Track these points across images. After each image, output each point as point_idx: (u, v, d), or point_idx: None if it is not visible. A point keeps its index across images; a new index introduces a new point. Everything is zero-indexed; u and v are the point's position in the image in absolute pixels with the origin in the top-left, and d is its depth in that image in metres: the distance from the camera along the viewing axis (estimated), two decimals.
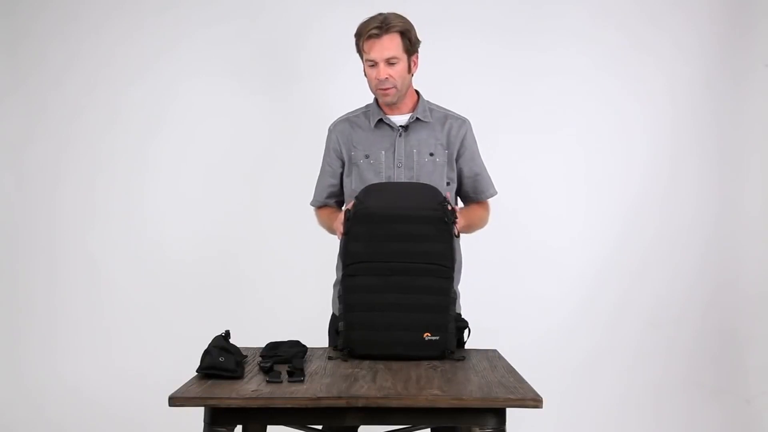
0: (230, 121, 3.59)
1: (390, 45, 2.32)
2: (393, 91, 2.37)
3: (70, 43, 3.58)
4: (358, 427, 2.19)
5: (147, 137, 3.60)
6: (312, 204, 2.58)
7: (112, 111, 3.59)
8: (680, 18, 3.58)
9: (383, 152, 2.40)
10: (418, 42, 2.39)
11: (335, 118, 2.54)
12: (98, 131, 3.59)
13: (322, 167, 2.54)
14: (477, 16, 3.55)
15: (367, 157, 2.41)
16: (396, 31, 2.32)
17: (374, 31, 2.30)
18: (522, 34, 3.57)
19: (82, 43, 3.58)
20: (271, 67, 3.59)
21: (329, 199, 2.54)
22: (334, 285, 2.49)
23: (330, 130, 2.51)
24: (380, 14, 2.34)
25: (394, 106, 2.43)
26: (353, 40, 2.41)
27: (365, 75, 2.41)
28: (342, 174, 2.49)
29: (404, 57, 2.35)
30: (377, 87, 2.37)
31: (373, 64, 2.34)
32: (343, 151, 2.46)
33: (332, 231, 2.41)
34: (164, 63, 3.58)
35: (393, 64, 2.34)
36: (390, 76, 2.34)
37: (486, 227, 2.55)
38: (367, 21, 2.34)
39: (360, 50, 2.38)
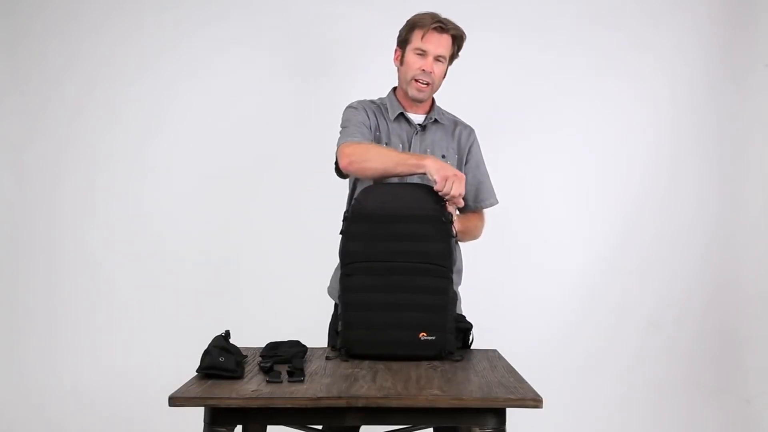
0: (230, 121, 3.59)
1: (446, 44, 2.38)
2: (428, 89, 2.39)
3: (70, 43, 3.58)
4: (358, 427, 2.19)
5: (147, 137, 3.60)
6: (351, 139, 2.30)
7: (112, 111, 3.59)
8: (680, 18, 3.58)
9: (400, 146, 2.41)
10: (457, 56, 2.44)
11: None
12: (98, 131, 3.59)
13: (353, 123, 2.36)
14: (476, 16, 3.52)
15: (386, 145, 2.40)
16: (453, 35, 2.38)
17: (438, 25, 2.35)
18: (521, 34, 3.57)
19: (82, 43, 3.58)
20: (271, 67, 3.59)
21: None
22: (335, 270, 2.47)
23: (354, 102, 2.46)
24: (435, 13, 2.38)
25: (415, 104, 2.44)
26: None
27: (400, 63, 2.42)
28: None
29: (447, 62, 2.41)
30: (416, 77, 2.37)
31: (422, 54, 2.36)
32: (371, 124, 2.42)
33: (411, 167, 2.16)
34: (164, 63, 3.58)
35: (439, 62, 2.38)
36: (434, 72, 2.37)
37: (480, 238, 2.54)
38: (426, 14, 2.37)
39: (409, 38, 2.38)
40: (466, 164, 2.49)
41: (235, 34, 3.56)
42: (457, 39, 2.40)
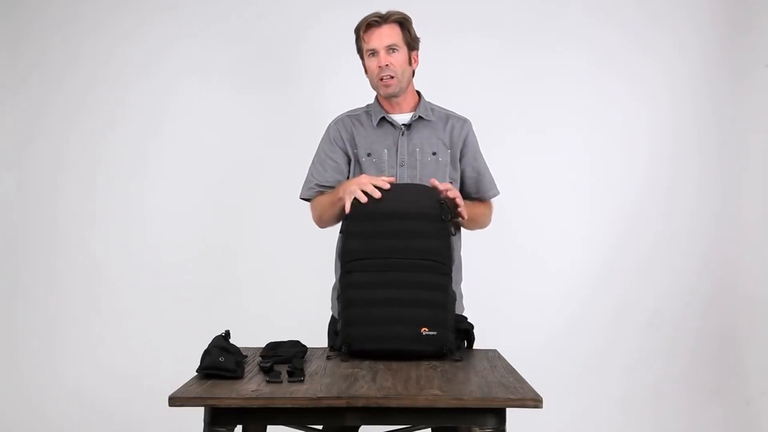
0: (230, 121, 3.59)
1: (390, 33, 2.35)
2: (394, 81, 2.36)
3: (70, 43, 3.58)
4: (358, 427, 2.19)
5: (147, 137, 3.60)
6: (305, 196, 2.45)
7: (112, 111, 3.60)
8: (681, 18, 3.58)
9: (385, 150, 2.39)
10: (417, 39, 2.41)
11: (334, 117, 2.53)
12: (98, 131, 3.59)
13: (319, 159, 2.45)
14: (477, 16, 3.56)
15: (369, 155, 2.40)
16: (395, 21, 2.36)
17: (374, 20, 2.34)
18: (522, 34, 3.57)
19: (82, 43, 3.59)
20: (271, 67, 3.59)
21: (324, 189, 2.43)
22: (333, 288, 2.48)
23: (330, 126, 2.48)
24: (375, 11, 2.38)
25: (395, 103, 2.42)
26: (354, 39, 2.41)
27: (366, 72, 2.42)
28: (348, 171, 2.43)
29: (404, 48, 2.37)
30: (378, 77, 2.36)
31: (374, 53, 2.35)
32: (348, 147, 2.43)
33: (336, 203, 2.26)
34: (164, 63, 3.58)
35: (394, 51, 2.35)
36: (390, 63, 2.34)
37: (489, 227, 2.55)
38: (366, 15, 2.37)
39: (360, 45, 2.39)
40: (462, 157, 2.46)
41: (236, 34, 3.56)
42: (403, 23, 2.36)
